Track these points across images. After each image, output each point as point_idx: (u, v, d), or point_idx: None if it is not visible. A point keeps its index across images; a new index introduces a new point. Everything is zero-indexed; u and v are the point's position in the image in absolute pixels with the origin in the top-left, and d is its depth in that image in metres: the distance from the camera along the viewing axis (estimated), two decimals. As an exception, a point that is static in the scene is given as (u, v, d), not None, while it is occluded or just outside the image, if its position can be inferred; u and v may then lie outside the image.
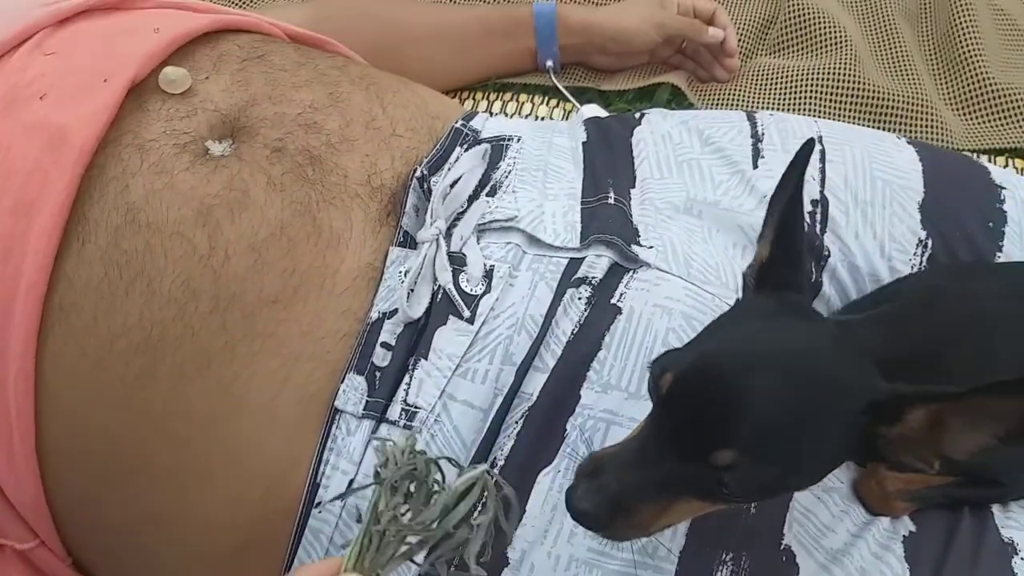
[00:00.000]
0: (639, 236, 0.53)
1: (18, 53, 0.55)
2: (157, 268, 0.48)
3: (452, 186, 0.54)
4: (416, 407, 0.48)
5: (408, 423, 0.48)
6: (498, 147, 0.59)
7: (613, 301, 0.50)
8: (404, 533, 0.35)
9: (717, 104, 0.89)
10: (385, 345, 0.50)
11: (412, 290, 0.50)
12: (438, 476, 0.36)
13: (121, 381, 0.48)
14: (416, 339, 0.50)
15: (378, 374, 0.49)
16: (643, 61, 0.91)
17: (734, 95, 0.89)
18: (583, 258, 0.52)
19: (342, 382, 0.49)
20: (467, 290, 0.51)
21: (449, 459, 0.37)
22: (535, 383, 0.48)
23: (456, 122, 0.60)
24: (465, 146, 0.58)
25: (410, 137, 0.57)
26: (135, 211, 0.49)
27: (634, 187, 0.57)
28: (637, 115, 0.65)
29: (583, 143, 0.62)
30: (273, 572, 0.50)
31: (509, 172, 0.57)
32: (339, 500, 0.47)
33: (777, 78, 0.89)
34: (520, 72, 0.91)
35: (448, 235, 0.53)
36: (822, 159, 0.58)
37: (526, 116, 0.89)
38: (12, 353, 0.48)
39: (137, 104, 0.53)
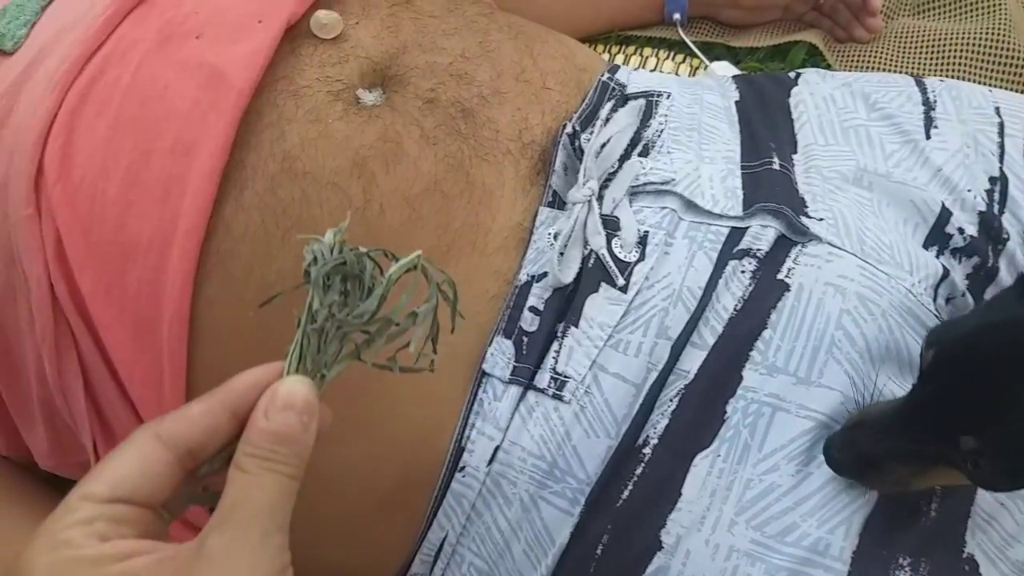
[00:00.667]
0: (807, 207, 0.50)
1: None
2: (313, 218, 0.47)
3: (603, 145, 0.51)
4: (566, 376, 0.47)
5: (557, 392, 0.47)
6: (648, 103, 0.56)
7: (780, 277, 0.47)
8: (344, 329, 0.34)
9: (856, 67, 0.84)
10: (533, 310, 0.48)
11: (562, 253, 0.48)
12: (375, 271, 0.35)
13: (269, 325, 0.48)
14: (565, 305, 0.48)
15: (525, 339, 0.48)
16: (775, 17, 0.86)
17: (874, 57, 0.84)
18: (746, 228, 0.49)
19: (489, 345, 0.48)
20: (621, 256, 0.48)
21: (384, 251, 0.35)
22: (693, 360, 0.46)
23: (602, 75, 0.57)
24: (612, 101, 0.55)
25: (559, 91, 0.54)
26: (291, 159, 0.48)
27: (796, 152, 0.54)
28: (792, 74, 0.61)
29: (736, 102, 0.58)
30: (412, 535, 0.49)
31: (661, 131, 0.54)
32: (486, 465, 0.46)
33: (921, 41, 0.84)
34: (644, 24, 0.87)
35: (599, 197, 0.50)
36: (1000, 132, 0.54)
37: (651, 71, 0.85)
38: (168, 296, 0.47)
39: (290, 48, 0.51)
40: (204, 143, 0.48)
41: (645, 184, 0.50)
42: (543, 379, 0.47)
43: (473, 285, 0.48)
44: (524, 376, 0.47)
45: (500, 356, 0.47)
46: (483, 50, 0.54)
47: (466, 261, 0.48)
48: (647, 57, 0.86)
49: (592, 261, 0.48)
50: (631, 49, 0.87)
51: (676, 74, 0.84)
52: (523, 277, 0.49)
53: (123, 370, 0.49)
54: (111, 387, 0.50)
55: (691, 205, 0.50)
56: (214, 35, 0.51)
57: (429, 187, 0.48)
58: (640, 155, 0.52)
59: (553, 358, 0.47)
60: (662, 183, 0.50)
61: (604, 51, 0.87)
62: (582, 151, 0.51)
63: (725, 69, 0.82)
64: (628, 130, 0.52)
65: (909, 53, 0.84)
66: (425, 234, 0.47)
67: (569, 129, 0.51)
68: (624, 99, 0.56)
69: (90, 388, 0.51)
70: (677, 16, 0.86)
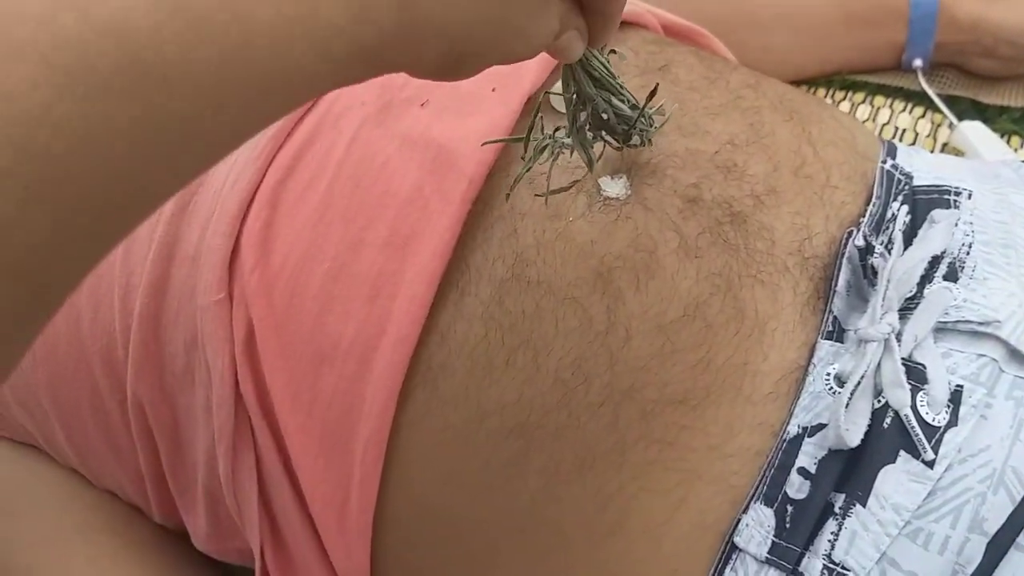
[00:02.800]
0: None
1: None
2: (545, 339, 0.39)
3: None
4: (845, 568, 0.37)
5: None
6: (942, 203, 0.45)
7: None
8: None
9: None
10: (803, 472, 0.39)
11: (847, 404, 0.39)
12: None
13: (485, 466, 0.40)
14: (848, 472, 0.39)
15: (791, 508, 0.39)
16: (1035, 69, 0.73)
17: None
18: None
19: (744, 512, 0.39)
20: (927, 418, 0.38)
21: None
22: (1017, 568, 0.36)
23: (883, 161, 0.47)
24: (900, 197, 0.45)
25: (845, 188, 0.44)
26: (524, 263, 0.40)
27: None
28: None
29: None
30: None
31: (968, 244, 0.43)
32: None
33: None
34: (877, 68, 0.76)
35: (898, 333, 0.40)
36: None
37: (882, 125, 0.74)
38: (367, 412, 0.41)
39: (524, 125, 0.43)
40: (425, 237, 0.41)
41: (957, 322, 0.40)
42: (813, 567, 0.38)
43: (734, 439, 0.39)
44: (787, 559, 0.38)
45: (757, 528, 0.39)
46: (755, 135, 0.44)
47: (728, 409, 0.39)
48: (878, 108, 0.75)
49: (889, 420, 0.39)
50: (859, 96, 0.76)
51: (914, 130, 0.73)
52: (793, 429, 0.39)
53: (306, 485, 0.42)
54: (290, 498, 0.44)
55: (1016, 355, 0.40)
56: (441, 104, 0.44)
57: (689, 312, 0.39)
58: (946, 277, 0.42)
59: (829, 541, 0.38)
60: (981, 323, 0.40)
61: (827, 95, 0.76)
62: (873, 269, 0.41)
63: (977, 131, 0.70)
64: (936, 246, 0.42)
65: None
66: (679, 372, 0.39)
67: (859, 241, 0.41)
68: (913, 195, 0.45)
69: (264, 492, 0.45)
70: (918, 62, 0.74)
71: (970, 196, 0.45)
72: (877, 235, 0.43)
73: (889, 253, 0.41)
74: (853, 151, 0.46)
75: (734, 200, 0.42)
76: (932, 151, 0.72)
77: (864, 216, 0.43)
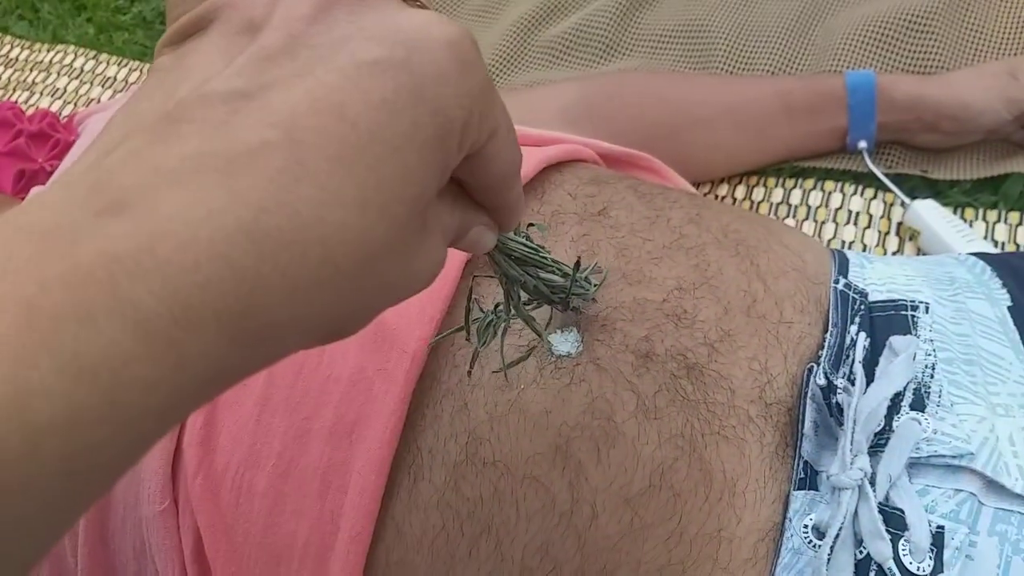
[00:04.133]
0: None
1: None
2: (507, 525, 0.37)
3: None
4: None
5: None
6: (899, 320, 0.44)
7: None
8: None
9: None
10: None
11: (828, 560, 0.37)
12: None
13: None
14: None
15: None
16: (978, 139, 0.73)
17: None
18: None
19: None
20: (911, 568, 0.37)
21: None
22: None
23: (836, 281, 0.46)
24: (856, 320, 0.44)
25: (800, 321, 0.43)
26: (477, 441, 0.38)
27: None
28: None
29: (1009, 308, 0.46)
30: None
31: (931, 366, 0.42)
32: None
33: None
34: (823, 153, 0.76)
35: (871, 475, 0.39)
36: None
37: (835, 210, 0.73)
38: None
39: (463, 287, 0.42)
40: (371, 422, 0.39)
41: (930, 456, 0.39)
42: None
43: None
44: None
45: None
46: (702, 277, 0.43)
47: None
48: (829, 192, 0.75)
49: (873, 573, 0.37)
50: (809, 183, 0.76)
51: (867, 212, 0.73)
52: None
53: None
54: None
55: (994, 485, 0.38)
56: None
57: (654, 482, 0.38)
58: (913, 407, 0.41)
59: None
60: (954, 456, 0.39)
61: (777, 185, 0.76)
62: (839, 406, 0.40)
63: (931, 209, 0.70)
64: (900, 380, 0.41)
65: None
66: (652, 547, 0.37)
67: (821, 379, 0.40)
68: (870, 314, 0.44)
69: None
70: (863, 144, 0.74)
71: (927, 310, 0.45)
72: (837, 368, 0.42)
73: (852, 385, 0.40)
74: (804, 278, 0.45)
75: (688, 351, 0.40)
76: (887, 232, 0.72)
77: (823, 348, 0.42)
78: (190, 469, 0.40)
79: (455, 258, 0.42)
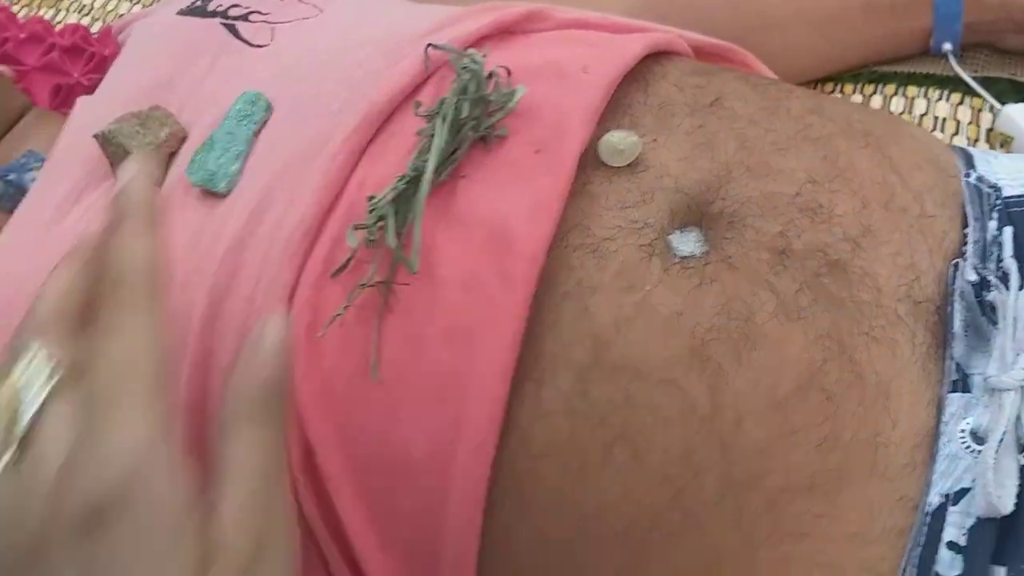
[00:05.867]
0: None
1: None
2: (643, 431, 0.35)
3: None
4: None
5: None
6: None
7: None
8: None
9: None
10: (952, 546, 0.34)
11: (994, 463, 0.34)
12: None
13: (586, 569, 0.36)
14: (1005, 543, 0.34)
15: None
16: (1074, 40, 0.69)
17: None
18: None
19: None
20: None
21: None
22: None
23: (966, 175, 0.43)
24: (995, 215, 0.41)
25: (941, 215, 0.40)
26: (603, 345, 0.35)
27: None
28: None
29: None
30: None
31: None
32: None
33: None
34: (905, 57, 0.72)
35: None
36: None
37: (920, 116, 0.69)
38: (449, 530, 0.36)
39: (577, 184, 0.39)
40: (489, 329, 0.36)
41: None
42: None
43: (875, 522, 0.34)
44: None
45: None
46: (834, 169, 0.39)
47: (862, 489, 0.34)
48: (912, 98, 0.70)
49: None
50: (890, 88, 0.71)
51: (955, 119, 0.69)
52: (934, 499, 0.35)
53: None
54: None
55: None
56: (479, 177, 0.39)
57: (803, 383, 0.35)
58: None
59: None
60: None
61: (855, 91, 0.72)
62: (991, 306, 0.37)
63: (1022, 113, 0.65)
64: None
65: None
66: (803, 453, 0.34)
67: (970, 275, 0.37)
68: (1007, 209, 0.41)
69: None
70: (948, 46, 0.69)
71: None
72: (983, 263, 0.38)
73: (1004, 285, 0.37)
74: (938, 170, 0.42)
75: (828, 247, 0.37)
76: (976, 139, 0.68)
77: (966, 244, 0.39)
78: (296, 375, 0.37)
79: (565, 151, 0.39)
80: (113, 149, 0.45)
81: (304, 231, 0.39)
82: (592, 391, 0.35)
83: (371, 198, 0.38)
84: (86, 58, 0.70)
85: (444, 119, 0.38)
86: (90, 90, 0.70)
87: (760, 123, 0.41)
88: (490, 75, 0.40)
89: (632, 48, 0.43)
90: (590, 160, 0.39)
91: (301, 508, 0.38)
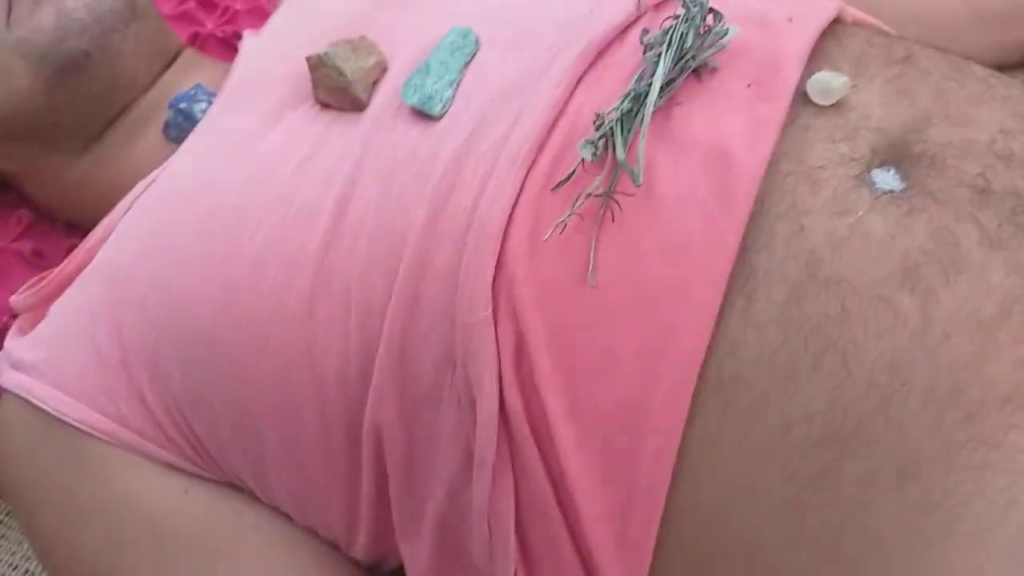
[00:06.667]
0: None
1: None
2: (854, 342, 0.37)
3: None
4: None
5: None
6: None
7: None
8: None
9: None
10: None
11: None
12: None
13: (790, 479, 0.38)
14: None
15: None
16: None
17: None
18: None
19: None
20: None
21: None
22: None
23: None
24: None
25: None
26: (818, 262, 0.38)
27: None
28: None
29: None
30: None
31: None
32: None
33: None
34: (1013, 67, 0.75)
35: None
36: None
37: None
38: (655, 426, 0.39)
39: (788, 117, 0.42)
40: (705, 243, 0.39)
41: None
42: None
43: None
44: None
45: None
46: (1022, 123, 0.43)
47: None
48: None
49: None
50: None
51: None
52: None
53: (581, 499, 0.40)
54: (554, 519, 0.41)
55: None
56: (695, 104, 0.42)
57: (1005, 307, 0.37)
58: None
59: None
60: None
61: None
62: None
63: None
64: None
65: None
66: (1003, 368, 0.37)
67: None
68: None
69: (519, 517, 0.42)
70: (1057, 56, 0.73)
71: None
72: None
73: None
74: None
75: (1022, 191, 0.40)
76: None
77: None
78: (516, 276, 0.40)
79: (780, 84, 0.42)
80: (326, 71, 0.48)
81: (530, 147, 0.42)
82: (806, 303, 0.38)
83: (598, 115, 0.41)
84: (221, 10, 0.74)
85: (669, 46, 0.41)
86: (224, 42, 0.73)
87: (952, 79, 0.44)
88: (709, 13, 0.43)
89: (828, 6, 0.46)
90: (798, 97, 0.42)
91: (503, 404, 0.41)
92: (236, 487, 0.51)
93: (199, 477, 0.50)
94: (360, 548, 0.50)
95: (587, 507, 0.40)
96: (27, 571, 0.63)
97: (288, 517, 0.51)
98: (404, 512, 0.46)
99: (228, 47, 0.71)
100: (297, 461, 0.47)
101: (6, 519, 0.65)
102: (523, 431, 0.41)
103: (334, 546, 0.51)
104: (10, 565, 0.63)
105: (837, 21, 0.48)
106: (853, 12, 0.52)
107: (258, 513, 0.51)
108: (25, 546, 0.63)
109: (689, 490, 0.39)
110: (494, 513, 0.42)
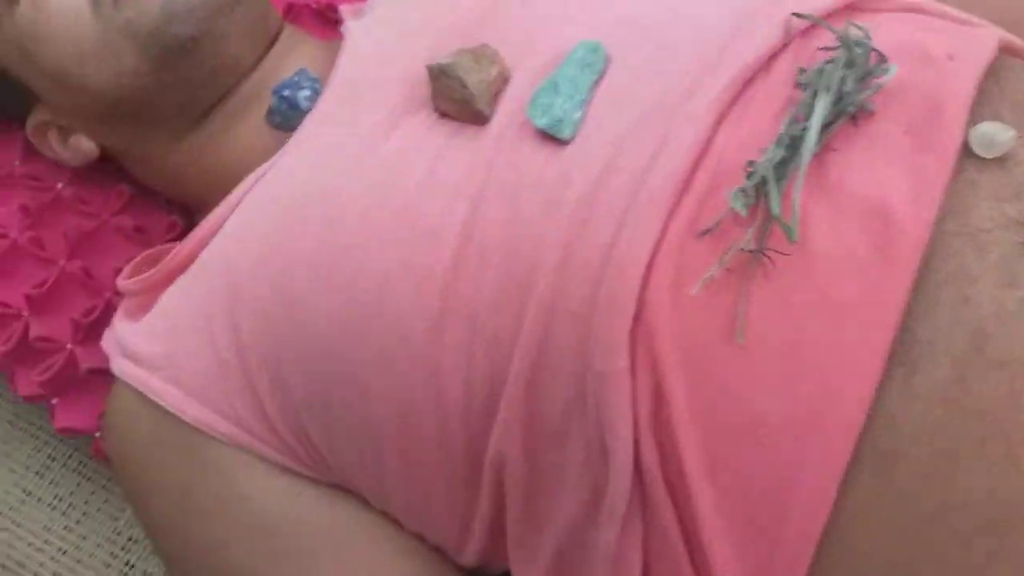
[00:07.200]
0: None
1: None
2: (1022, 430, 0.36)
3: None
4: None
5: None
6: None
7: None
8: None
9: None
10: None
11: None
12: None
13: (941, 564, 0.37)
14: None
15: None
16: None
17: None
18: None
19: None
20: None
21: None
22: None
23: None
24: None
25: None
26: (985, 337, 0.37)
27: None
28: None
29: None
30: None
31: None
32: None
33: None
34: None
35: None
36: None
37: None
38: (803, 498, 0.38)
39: (953, 170, 0.39)
40: (866, 306, 0.37)
41: None
42: None
43: None
44: None
45: None
46: None
47: None
48: None
49: None
50: None
51: None
52: None
53: (716, 562, 0.40)
54: (683, 572, 0.41)
55: None
56: (851, 152, 0.40)
57: None
58: None
59: None
60: None
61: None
62: None
63: None
64: None
65: None
66: None
67: None
68: None
69: (647, 565, 0.43)
70: None
71: None
72: None
73: None
74: None
75: None
76: None
77: None
78: (657, 328, 0.39)
79: (951, 143, 0.39)
80: (447, 82, 0.46)
81: (673, 187, 0.40)
82: (972, 383, 0.37)
83: (749, 163, 0.39)
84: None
85: (828, 89, 0.39)
86: (320, 14, 0.70)
87: None
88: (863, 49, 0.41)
89: (989, 41, 0.44)
90: (962, 150, 0.40)
91: (638, 456, 0.40)
92: (347, 490, 0.52)
93: (312, 480, 0.51)
94: (468, 555, 0.51)
95: (722, 569, 0.40)
96: (130, 537, 0.66)
97: (397, 522, 0.52)
98: (520, 538, 0.47)
99: (323, 19, 0.68)
100: (414, 476, 0.48)
101: (108, 484, 0.67)
102: (658, 486, 0.40)
103: (440, 551, 0.52)
104: (114, 531, 0.66)
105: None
106: (1003, 36, 0.49)
107: (370, 518, 0.51)
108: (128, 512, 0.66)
109: (833, 567, 0.39)
110: (621, 559, 0.42)
